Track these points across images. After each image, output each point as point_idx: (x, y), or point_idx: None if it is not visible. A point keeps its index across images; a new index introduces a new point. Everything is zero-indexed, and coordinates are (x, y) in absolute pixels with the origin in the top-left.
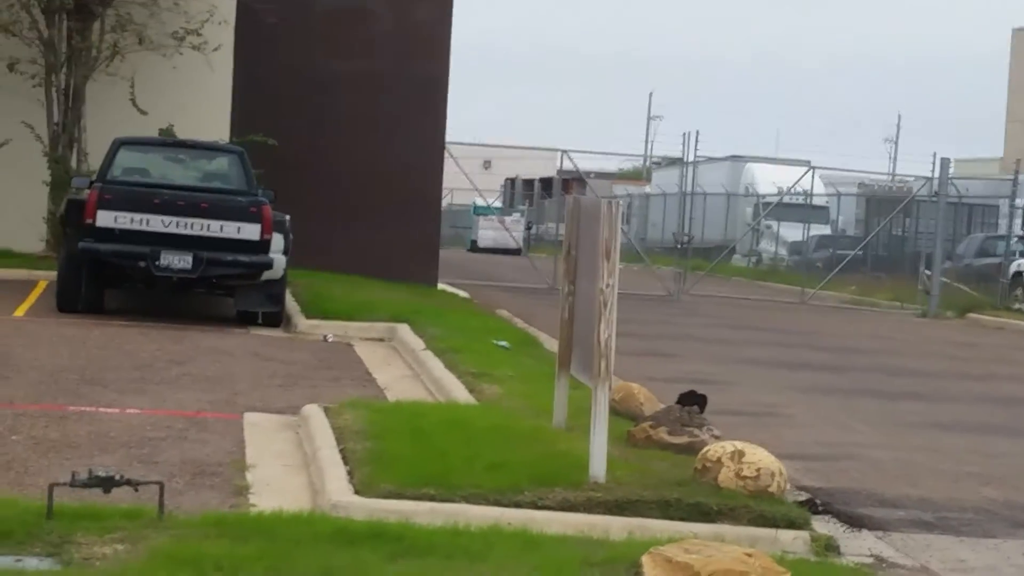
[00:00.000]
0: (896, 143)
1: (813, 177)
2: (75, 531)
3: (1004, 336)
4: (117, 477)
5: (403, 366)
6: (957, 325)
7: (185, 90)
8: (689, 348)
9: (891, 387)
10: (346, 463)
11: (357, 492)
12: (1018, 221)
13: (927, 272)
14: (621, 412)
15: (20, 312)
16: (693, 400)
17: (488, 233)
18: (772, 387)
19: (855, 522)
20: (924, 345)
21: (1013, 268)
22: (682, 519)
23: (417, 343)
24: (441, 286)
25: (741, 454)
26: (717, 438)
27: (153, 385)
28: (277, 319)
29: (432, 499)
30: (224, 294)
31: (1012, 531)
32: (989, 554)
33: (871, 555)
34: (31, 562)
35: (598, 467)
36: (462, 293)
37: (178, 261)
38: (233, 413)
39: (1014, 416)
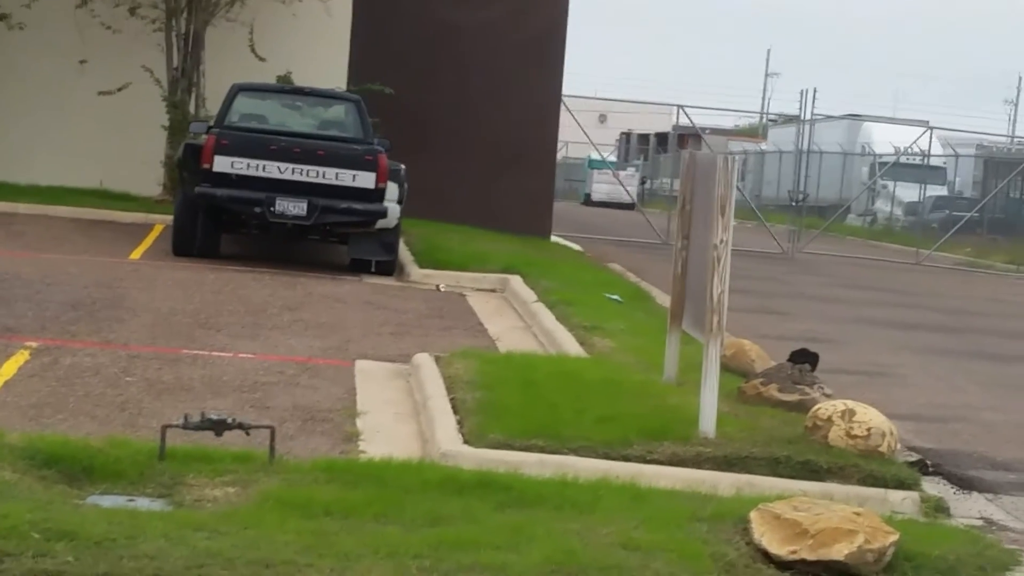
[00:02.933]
0: (1016, 104)
1: (931, 138)
2: (186, 473)
3: None
4: (229, 420)
5: (515, 317)
6: None
7: (304, 37)
8: (802, 306)
9: (1006, 350)
10: (456, 412)
11: (466, 442)
12: None
13: None
14: (732, 368)
15: (136, 255)
16: (805, 358)
17: (602, 187)
18: (885, 347)
19: (965, 484)
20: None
21: None
22: (791, 477)
23: (529, 295)
24: (554, 238)
25: (852, 413)
26: (828, 397)
27: (266, 330)
28: (390, 268)
29: (541, 450)
30: (338, 242)
31: None
32: None
33: (981, 517)
34: (143, 502)
35: (708, 422)
36: (575, 246)
37: (293, 207)
38: (344, 360)
39: None
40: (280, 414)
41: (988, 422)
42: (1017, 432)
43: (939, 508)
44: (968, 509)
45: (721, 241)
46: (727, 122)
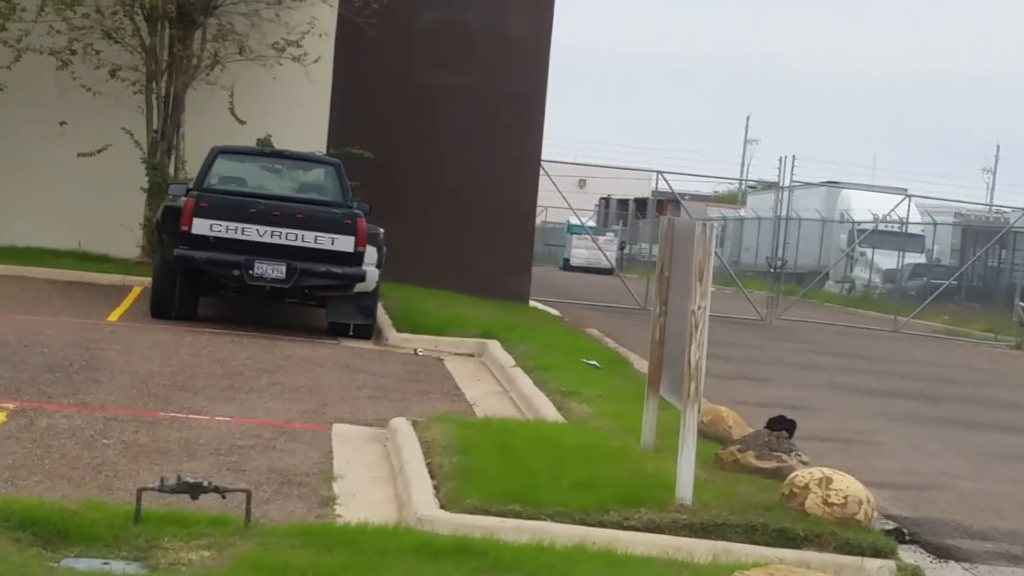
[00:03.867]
0: (994, 173)
1: (909, 205)
2: (162, 536)
3: None
4: (205, 484)
5: (492, 382)
6: None
7: (283, 101)
8: (780, 373)
9: (982, 418)
10: (433, 477)
11: (443, 506)
12: None
13: (1022, 304)
14: (709, 435)
15: (114, 317)
16: (782, 425)
17: (581, 252)
18: (862, 414)
19: (942, 553)
20: (1017, 377)
21: None
22: (768, 544)
23: (507, 360)
24: (532, 303)
25: (829, 481)
26: (805, 464)
27: (243, 393)
28: (368, 331)
29: (518, 516)
30: (316, 305)
31: None
32: None
33: None
34: (118, 565)
35: (685, 489)
36: (553, 311)
37: (272, 270)
38: (322, 424)
39: None
40: (256, 477)
41: (965, 490)
42: (994, 501)
43: None
44: None
45: (699, 307)
46: (706, 188)
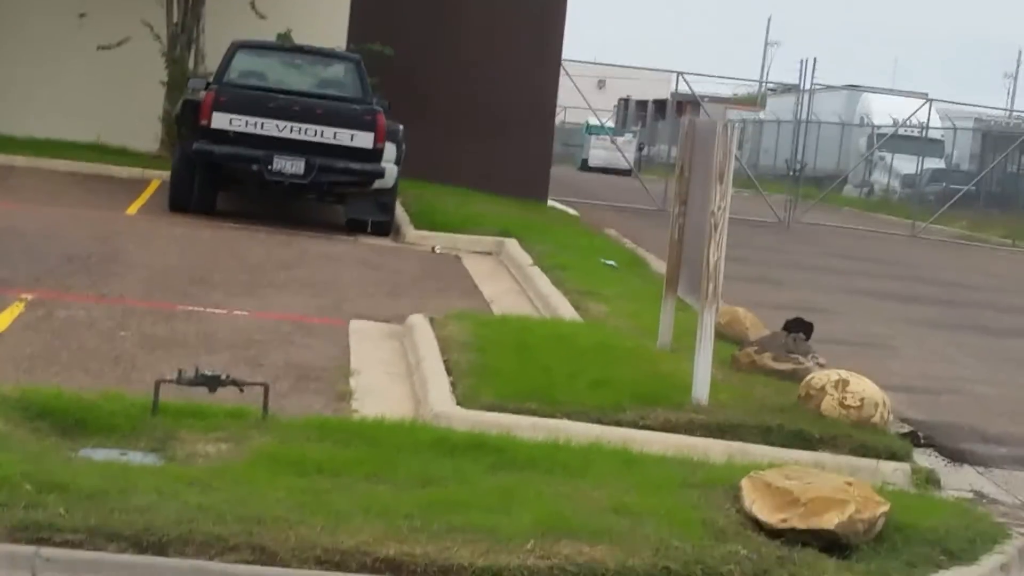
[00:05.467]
0: (1015, 78)
1: (930, 110)
2: (179, 428)
3: None
4: (223, 377)
5: (510, 280)
6: None
7: None
8: (797, 276)
9: (1000, 324)
10: (449, 374)
11: (459, 403)
12: None
13: None
14: (726, 336)
15: (132, 210)
16: (799, 327)
17: (599, 152)
18: (880, 318)
19: (957, 457)
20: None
21: None
22: (783, 445)
23: (525, 258)
24: (551, 203)
25: (845, 383)
26: (821, 366)
27: (261, 288)
28: (386, 228)
29: (534, 413)
30: (334, 201)
31: None
32: None
33: (972, 490)
34: (135, 456)
35: (701, 389)
36: (571, 211)
37: (290, 166)
38: (339, 319)
39: None
40: (273, 372)
41: (981, 395)
42: (1009, 406)
43: (930, 480)
44: (959, 482)
45: (719, 208)
46: (726, 90)
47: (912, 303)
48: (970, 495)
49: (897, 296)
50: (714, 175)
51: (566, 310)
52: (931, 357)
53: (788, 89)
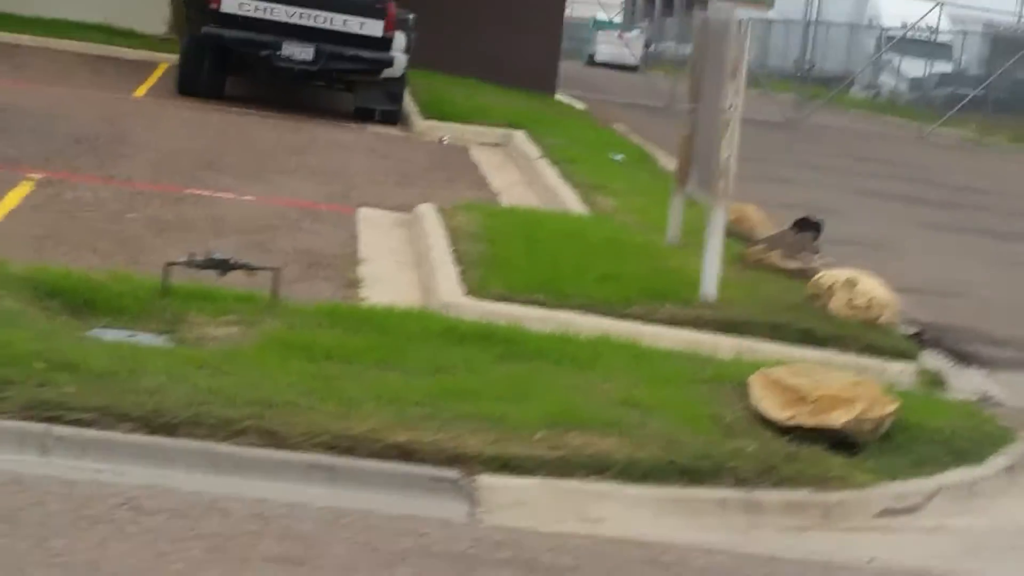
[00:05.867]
0: None
1: (940, 14)
2: (189, 311)
3: None
4: (233, 260)
5: (518, 173)
6: None
7: None
8: (805, 175)
9: (1007, 228)
10: (458, 264)
11: (468, 293)
12: None
13: None
14: (734, 234)
15: (140, 92)
16: (808, 226)
17: (606, 48)
18: (887, 220)
19: (963, 358)
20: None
21: None
22: (791, 343)
23: (533, 151)
24: (559, 97)
25: (853, 283)
26: (830, 266)
27: (270, 174)
28: (395, 117)
29: (543, 305)
30: (343, 89)
31: None
32: None
33: (978, 392)
34: (145, 337)
35: (710, 285)
36: (579, 105)
37: (300, 52)
38: (348, 207)
39: None
40: (282, 257)
41: (987, 298)
42: (1016, 309)
43: (936, 381)
44: (965, 383)
45: (731, 105)
46: None
47: (920, 205)
48: (976, 397)
49: (905, 198)
50: (727, 72)
51: (574, 204)
52: (938, 259)
53: None
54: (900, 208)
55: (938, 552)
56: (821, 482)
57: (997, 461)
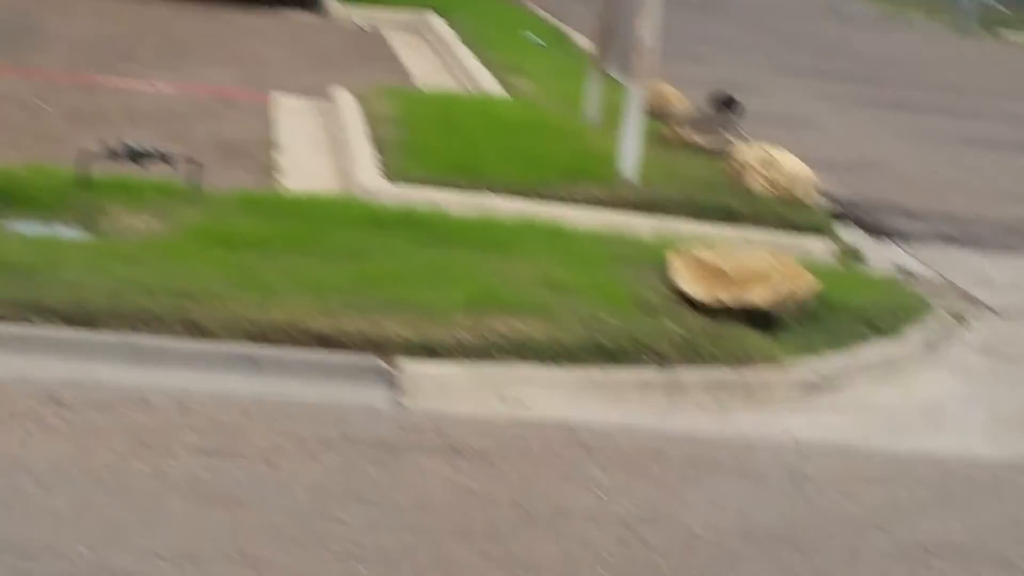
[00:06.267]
0: None
1: None
2: (107, 202)
3: None
4: (151, 150)
5: (434, 56)
6: (994, 46)
7: None
8: (720, 52)
9: (923, 102)
10: (377, 149)
11: (387, 178)
12: None
13: None
14: (653, 113)
15: None
16: (726, 104)
17: None
18: (803, 96)
19: (880, 233)
20: (958, 63)
21: None
22: (710, 221)
23: (449, 33)
24: None
25: (772, 160)
26: (748, 143)
27: (186, 62)
28: (311, 3)
29: (462, 189)
30: None
31: None
32: (1014, 272)
33: (895, 265)
34: (64, 230)
35: (629, 165)
36: None
37: None
38: (264, 94)
39: None
40: (200, 146)
41: (902, 173)
42: (931, 183)
43: (855, 256)
44: (883, 257)
45: None
46: None
47: (836, 80)
48: (894, 270)
49: (821, 73)
50: None
51: (492, 86)
52: (853, 134)
53: None
54: (816, 84)
55: (857, 426)
56: (742, 360)
57: (915, 336)
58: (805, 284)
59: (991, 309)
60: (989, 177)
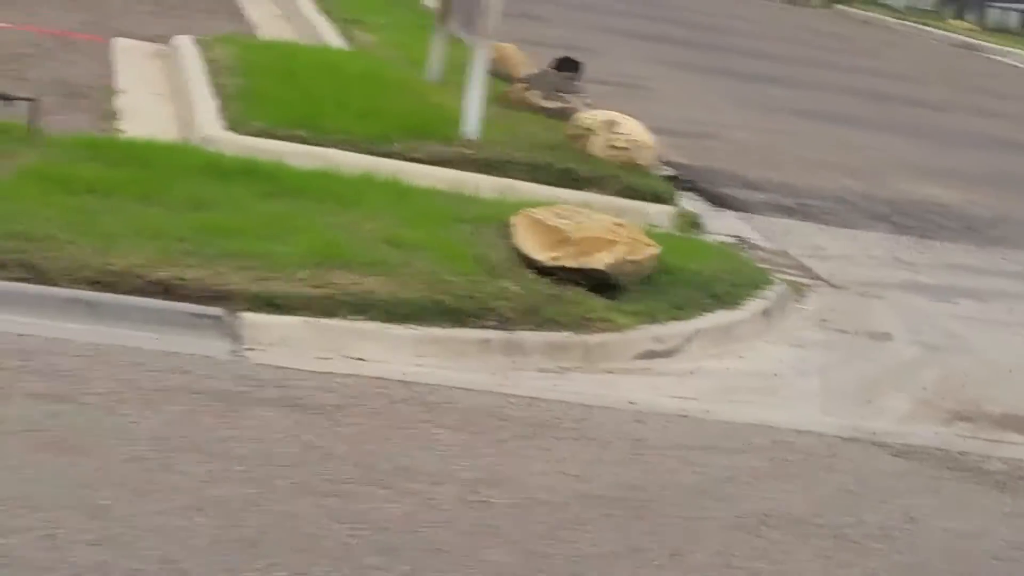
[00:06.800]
0: None
1: None
2: None
3: (871, 30)
4: None
5: (275, 6)
6: (824, 14)
7: None
8: (556, 12)
9: (755, 70)
10: (217, 98)
11: (228, 127)
12: None
13: None
14: (495, 73)
15: None
16: (568, 66)
17: None
18: (641, 60)
19: (719, 202)
20: (788, 31)
21: None
22: (552, 184)
23: None
24: None
25: (613, 124)
26: (590, 106)
27: (23, 1)
28: None
29: (304, 141)
30: None
31: (870, 223)
32: (846, 243)
33: (734, 235)
34: None
35: (472, 124)
36: None
37: None
38: (103, 36)
39: (878, 111)
40: (38, 87)
41: (740, 141)
42: (768, 152)
43: (695, 224)
44: (721, 226)
45: None
46: None
47: (667, 44)
48: (732, 240)
49: (653, 37)
50: None
51: (333, 38)
52: (691, 101)
53: None
54: (650, 47)
55: (695, 394)
56: (583, 324)
57: (753, 304)
58: (647, 251)
59: (825, 280)
60: (824, 149)
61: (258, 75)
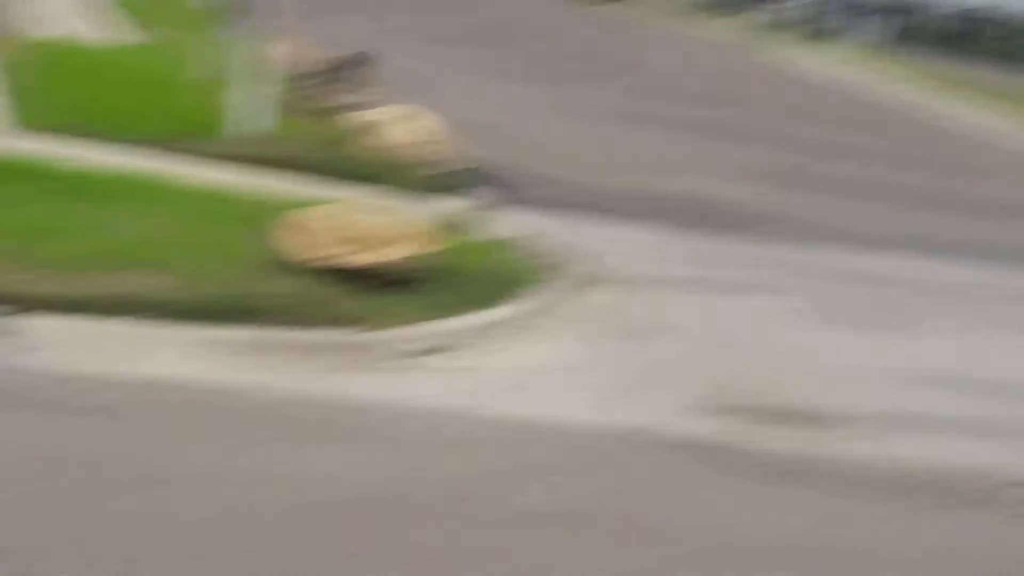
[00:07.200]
0: None
1: None
2: None
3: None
4: None
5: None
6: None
7: None
8: (352, 4)
9: (557, 70)
10: None
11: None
12: None
13: None
14: (281, 68)
15: None
16: (357, 62)
17: None
18: (434, 58)
19: (515, 199)
20: (595, 28)
21: None
22: (339, 179)
23: None
24: None
25: (403, 119)
26: (379, 102)
27: None
28: None
29: (71, 138)
30: None
31: (661, 219)
32: (636, 239)
33: (523, 231)
34: None
35: (250, 121)
36: None
37: None
38: None
39: (663, 108)
40: None
41: (535, 139)
42: (562, 150)
43: (486, 220)
44: (514, 222)
45: None
46: None
47: (466, 46)
48: (520, 237)
49: (451, 38)
50: None
51: (103, 33)
52: (481, 99)
53: None
54: (445, 49)
55: (459, 391)
56: (353, 322)
57: (537, 299)
58: (436, 246)
59: (612, 275)
60: (614, 147)
61: (25, 70)
